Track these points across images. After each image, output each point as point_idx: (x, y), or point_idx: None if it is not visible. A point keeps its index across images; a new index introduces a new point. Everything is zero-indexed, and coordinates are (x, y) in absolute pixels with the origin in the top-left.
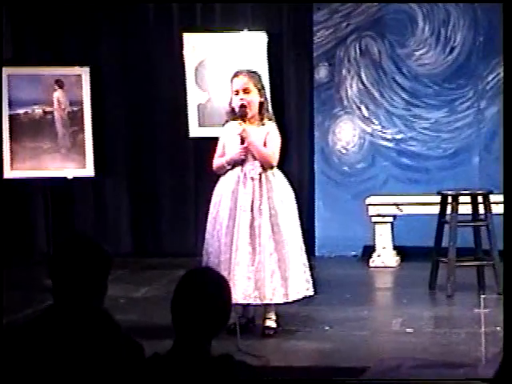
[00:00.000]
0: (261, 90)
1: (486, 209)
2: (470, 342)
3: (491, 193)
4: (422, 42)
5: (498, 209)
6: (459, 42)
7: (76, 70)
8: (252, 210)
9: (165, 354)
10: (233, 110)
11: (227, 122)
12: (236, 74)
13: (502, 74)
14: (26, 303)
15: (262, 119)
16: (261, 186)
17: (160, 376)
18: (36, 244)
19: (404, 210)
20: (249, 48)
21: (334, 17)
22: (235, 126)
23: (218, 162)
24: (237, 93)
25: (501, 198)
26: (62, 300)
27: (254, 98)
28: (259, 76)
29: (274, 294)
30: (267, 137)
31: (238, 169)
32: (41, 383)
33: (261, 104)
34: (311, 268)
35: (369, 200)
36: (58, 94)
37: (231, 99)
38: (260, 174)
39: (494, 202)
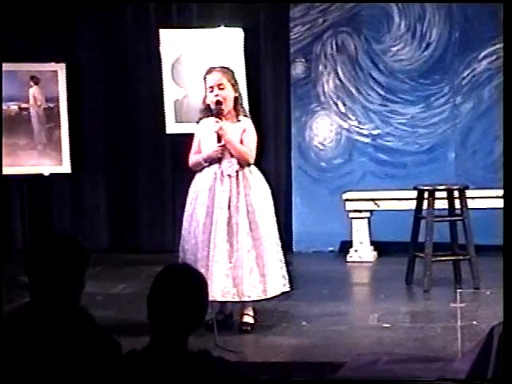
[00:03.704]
0: (235, 85)
1: (462, 204)
2: (447, 336)
3: (467, 188)
4: (397, 38)
5: (474, 203)
6: (435, 38)
7: (52, 66)
8: (229, 208)
9: (142, 350)
10: (207, 106)
11: (201, 118)
12: (209, 71)
13: (477, 70)
14: (3, 300)
15: (237, 115)
16: (238, 184)
17: (137, 372)
18: (13, 241)
19: (381, 205)
20: (225, 44)
21: (311, 13)
22: (211, 123)
23: (194, 158)
24: (211, 89)
25: (476, 192)
26: (39, 297)
27: (229, 93)
28: (232, 72)
29: (253, 291)
30: (243, 134)
31: (214, 166)
32: (18, 381)
33: (235, 99)
34: (288, 264)
35: (346, 195)
36: (33, 91)
37: (205, 96)
38: (237, 171)
39: (469, 196)
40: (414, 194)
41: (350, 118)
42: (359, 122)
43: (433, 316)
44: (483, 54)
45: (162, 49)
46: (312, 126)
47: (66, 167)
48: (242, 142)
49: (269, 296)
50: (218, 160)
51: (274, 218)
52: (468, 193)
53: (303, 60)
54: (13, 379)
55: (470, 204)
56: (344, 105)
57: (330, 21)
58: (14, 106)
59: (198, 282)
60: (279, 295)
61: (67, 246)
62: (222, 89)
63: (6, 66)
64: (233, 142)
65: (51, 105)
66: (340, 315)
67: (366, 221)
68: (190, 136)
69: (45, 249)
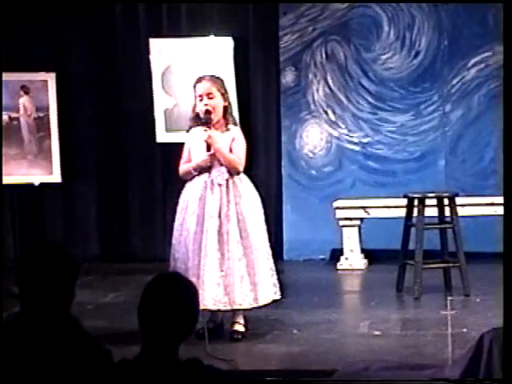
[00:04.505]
0: (224, 94)
1: (451, 211)
2: (437, 343)
3: (457, 195)
4: (387, 46)
5: (464, 211)
6: (424, 46)
7: (42, 75)
8: (220, 216)
9: (133, 359)
10: (197, 115)
11: (191, 127)
12: (199, 80)
13: (466, 78)
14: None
15: (226, 124)
16: (228, 192)
17: (128, 381)
18: (3, 251)
19: (371, 213)
20: (215, 53)
21: (300, 21)
22: (201, 132)
23: (184, 167)
24: (201, 98)
25: (466, 200)
26: (30, 307)
27: (218, 102)
28: (222, 80)
29: (244, 299)
30: (232, 142)
31: (204, 175)
32: None
33: (225, 108)
34: (279, 272)
35: (336, 203)
36: (23, 100)
37: (195, 105)
38: (227, 180)
39: (459, 204)
40: (404, 201)
41: (339, 126)
42: (349, 130)
43: (423, 323)
44: (472, 61)
45: (152, 58)
46: (302, 134)
47: (56, 177)
48: (231, 150)
49: (260, 304)
50: (208, 169)
51: (265, 227)
52: (458, 200)
53: (293, 68)
54: None
55: (460, 211)
56: (334, 113)
57: (319, 29)
58: (4, 116)
59: (188, 291)
60: (270, 303)
61: (57, 256)
62: (212, 98)
63: None
64: (222, 151)
65: (41, 114)
66: (331, 323)
67: (356, 229)
68: (181, 145)
69: (35, 259)
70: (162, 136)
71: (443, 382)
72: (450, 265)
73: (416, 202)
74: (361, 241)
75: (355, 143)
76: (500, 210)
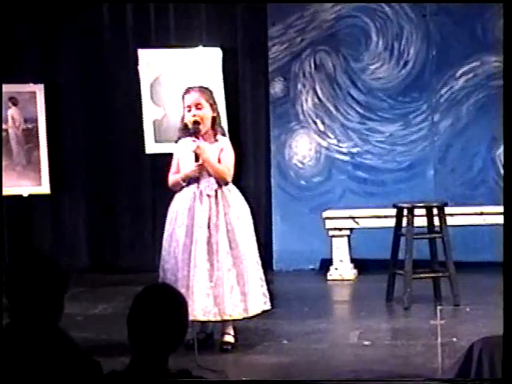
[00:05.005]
0: (213, 104)
1: (441, 221)
2: (427, 353)
3: (446, 205)
4: (375, 56)
5: (453, 220)
6: (412, 56)
7: (30, 87)
8: (209, 227)
9: (122, 370)
10: (185, 126)
11: (179, 138)
12: (187, 91)
13: (454, 87)
14: None
15: (215, 135)
16: (217, 203)
17: None
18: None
19: (360, 223)
20: (204, 64)
21: (289, 32)
22: (189, 143)
23: (172, 178)
24: (189, 109)
25: (455, 209)
26: (19, 318)
27: (207, 113)
28: (211, 91)
29: (234, 310)
30: (221, 153)
31: (193, 186)
32: None
33: (213, 119)
34: (269, 282)
35: (325, 213)
36: (12, 112)
37: (183, 116)
38: (216, 191)
39: (448, 213)
40: (394, 211)
41: (328, 137)
42: (338, 141)
43: (413, 333)
44: (460, 71)
45: (141, 69)
46: (291, 144)
47: (45, 188)
48: (219, 161)
49: (250, 315)
50: (197, 179)
51: (254, 237)
52: (447, 210)
53: (282, 79)
54: None
55: (449, 221)
56: (323, 123)
57: (308, 40)
58: None
59: (177, 302)
60: (260, 314)
61: (46, 268)
62: (200, 108)
63: None
64: (210, 161)
65: (30, 126)
66: (321, 333)
67: (345, 239)
68: (170, 156)
69: (24, 272)
70: (151, 147)
71: (441, 383)
72: (440, 274)
73: (405, 212)
74: (350, 251)
75: (344, 153)
76: (489, 219)
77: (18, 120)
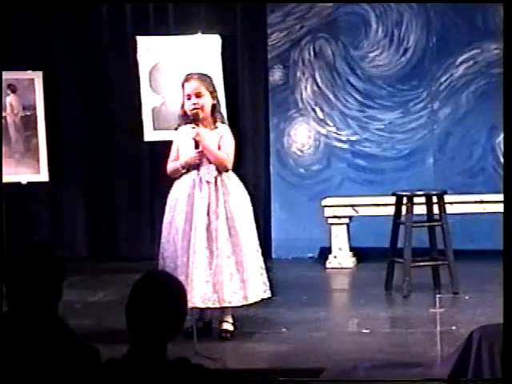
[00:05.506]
0: (213, 92)
1: (440, 209)
2: (426, 341)
3: (445, 193)
4: (375, 44)
5: (453, 209)
6: (412, 44)
7: (29, 74)
8: (208, 214)
9: (121, 358)
10: (185, 113)
11: (179, 125)
12: (187, 79)
13: (454, 75)
14: None
15: (214, 122)
16: (217, 190)
17: (116, 381)
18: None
19: (360, 211)
20: (203, 51)
21: (288, 19)
22: (189, 130)
23: (172, 165)
24: (189, 97)
25: (454, 198)
26: (17, 306)
27: (207, 101)
28: (210, 79)
29: (233, 297)
30: (221, 140)
31: (193, 173)
32: None
33: (213, 106)
34: (268, 270)
35: (325, 201)
36: (10, 99)
37: (183, 103)
38: (215, 178)
39: (448, 202)
40: (393, 199)
41: (328, 124)
42: (337, 128)
43: (412, 321)
44: (460, 59)
45: (139, 56)
46: (290, 132)
47: (43, 176)
48: (219, 148)
49: (249, 302)
50: (197, 167)
51: (254, 225)
52: (446, 198)
53: (281, 66)
54: None
55: (449, 209)
56: (322, 111)
57: (307, 27)
58: None
59: (176, 290)
60: (259, 301)
61: (43, 256)
62: (200, 97)
63: None
64: (210, 148)
65: (28, 113)
66: (320, 321)
67: (344, 227)
68: (169, 143)
69: (22, 260)
70: (150, 134)
71: (441, 382)
72: (439, 263)
73: (405, 200)
74: (349, 239)
75: (343, 141)
76: (489, 208)
77: (17, 107)
